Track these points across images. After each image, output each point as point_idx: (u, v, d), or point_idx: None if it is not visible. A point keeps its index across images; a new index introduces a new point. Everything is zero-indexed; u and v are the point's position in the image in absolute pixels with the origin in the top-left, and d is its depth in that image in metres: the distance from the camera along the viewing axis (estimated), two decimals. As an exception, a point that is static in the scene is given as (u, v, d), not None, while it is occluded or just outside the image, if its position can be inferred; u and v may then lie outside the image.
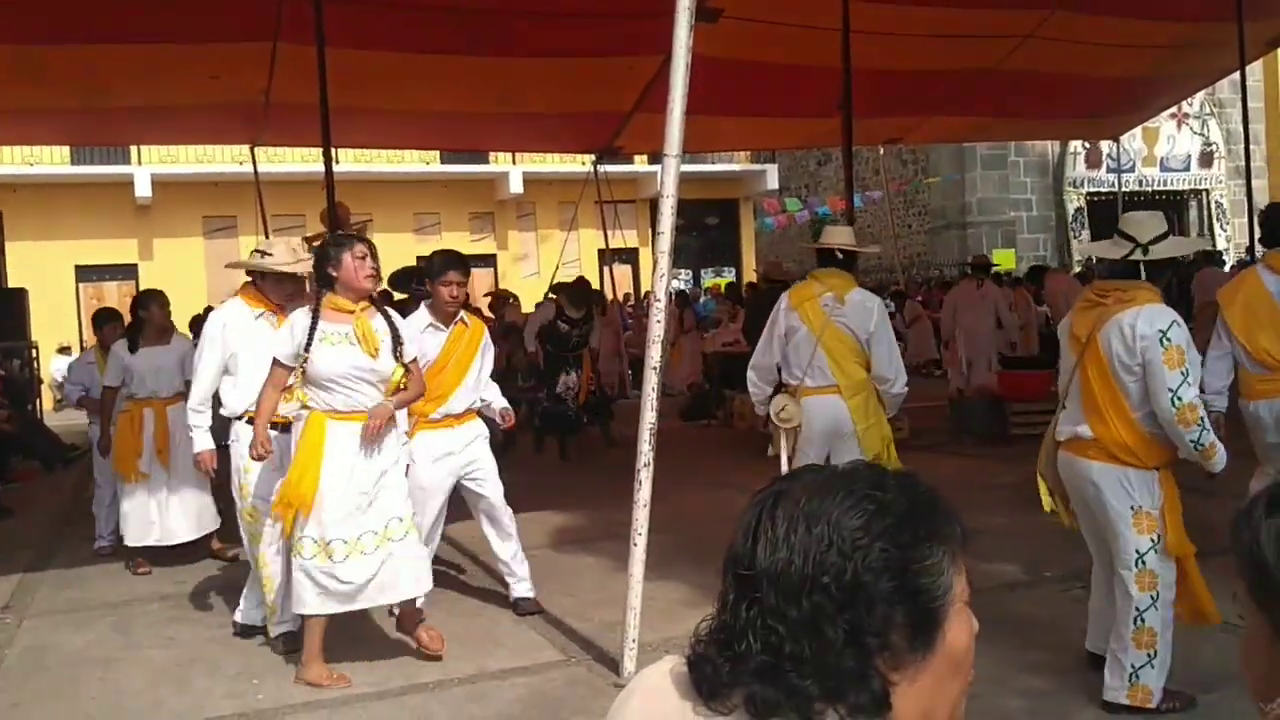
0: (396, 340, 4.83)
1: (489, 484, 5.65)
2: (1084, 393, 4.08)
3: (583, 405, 11.06)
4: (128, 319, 7.54)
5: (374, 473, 4.75)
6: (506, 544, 5.76)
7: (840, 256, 5.67)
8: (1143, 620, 3.96)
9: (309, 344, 4.66)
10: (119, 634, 5.82)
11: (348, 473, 4.69)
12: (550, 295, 13.00)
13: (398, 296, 9.83)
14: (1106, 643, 4.18)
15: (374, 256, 4.83)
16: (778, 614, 1.13)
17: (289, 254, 5.36)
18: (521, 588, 5.81)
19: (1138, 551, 3.98)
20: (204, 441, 5.40)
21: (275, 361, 4.79)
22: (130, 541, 7.05)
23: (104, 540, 7.73)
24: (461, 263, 5.56)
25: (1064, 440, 4.21)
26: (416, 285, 8.75)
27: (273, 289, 5.42)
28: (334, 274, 4.73)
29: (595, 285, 16.03)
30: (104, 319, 8.13)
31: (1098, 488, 4.05)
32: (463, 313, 5.67)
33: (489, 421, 5.88)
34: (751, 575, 1.15)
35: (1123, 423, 3.97)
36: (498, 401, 5.85)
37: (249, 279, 5.56)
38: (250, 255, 5.52)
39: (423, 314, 5.55)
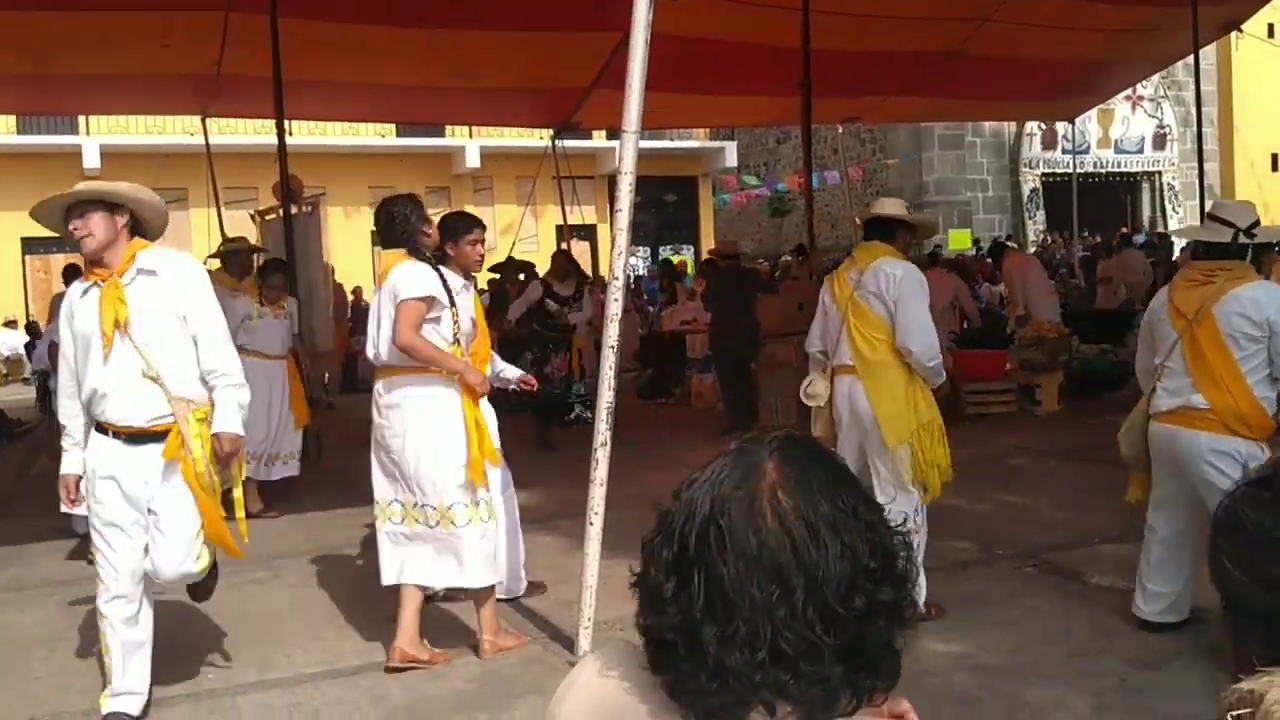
0: None
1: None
2: (1195, 365, 4.33)
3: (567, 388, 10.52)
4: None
5: None
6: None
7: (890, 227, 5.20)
8: None
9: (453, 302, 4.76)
10: (66, 613, 5.72)
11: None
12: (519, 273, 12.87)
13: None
14: (1167, 609, 4.53)
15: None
16: (845, 607, 1.08)
17: None
18: None
19: None
20: (72, 462, 4.27)
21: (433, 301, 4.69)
22: None
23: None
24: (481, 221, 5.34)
25: (1166, 412, 4.43)
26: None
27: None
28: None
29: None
30: None
31: (1209, 460, 4.24)
32: None
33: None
34: (805, 577, 1.08)
35: (1239, 391, 4.24)
36: (510, 368, 5.63)
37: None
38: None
39: (452, 273, 5.00)
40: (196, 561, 4.22)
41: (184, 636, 5.25)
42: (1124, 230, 22.18)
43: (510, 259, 13.38)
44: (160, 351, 4.05)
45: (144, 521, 4.12)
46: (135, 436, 4.07)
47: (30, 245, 21.06)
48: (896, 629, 1.12)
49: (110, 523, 4.11)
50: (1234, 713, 0.97)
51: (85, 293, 4.11)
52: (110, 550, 4.11)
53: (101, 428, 4.11)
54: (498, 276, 13.25)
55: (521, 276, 12.11)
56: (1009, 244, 16.97)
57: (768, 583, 1.08)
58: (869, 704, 1.14)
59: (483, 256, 5.19)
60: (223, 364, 4.20)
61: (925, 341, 4.88)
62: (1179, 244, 21.14)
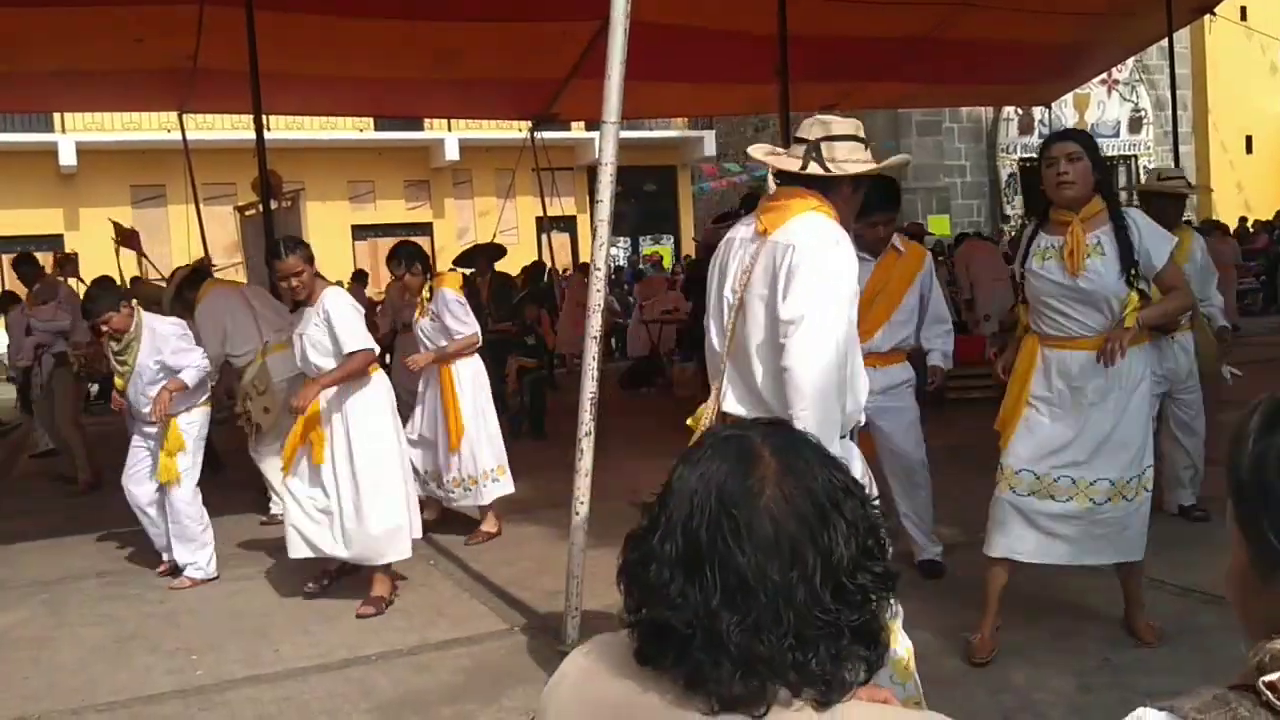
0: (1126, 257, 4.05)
1: (898, 435, 5.30)
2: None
3: None
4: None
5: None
6: (914, 498, 5.40)
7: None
8: None
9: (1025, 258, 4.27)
10: (52, 612, 5.72)
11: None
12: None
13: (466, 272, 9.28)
14: None
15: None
16: (856, 585, 1.12)
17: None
18: (932, 549, 5.44)
19: None
20: None
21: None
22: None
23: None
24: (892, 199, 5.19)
25: None
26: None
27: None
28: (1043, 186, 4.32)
29: (534, 254, 15.85)
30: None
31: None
32: (897, 239, 5.29)
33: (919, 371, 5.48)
34: (822, 562, 1.11)
35: None
36: (936, 355, 5.43)
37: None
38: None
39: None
40: None
41: (172, 633, 5.26)
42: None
43: (475, 246, 11.96)
44: None
45: None
46: None
47: (6, 244, 20.74)
48: (887, 602, 1.16)
49: None
50: (1267, 678, 0.92)
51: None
52: None
53: None
54: (469, 271, 11.36)
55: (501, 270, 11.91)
56: (973, 233, 16.98)
57: (787, 567, 1.10)
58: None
59: (881, 239, 4.89)
60: None
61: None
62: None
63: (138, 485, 6.15)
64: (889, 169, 3.42)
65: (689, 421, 3.34)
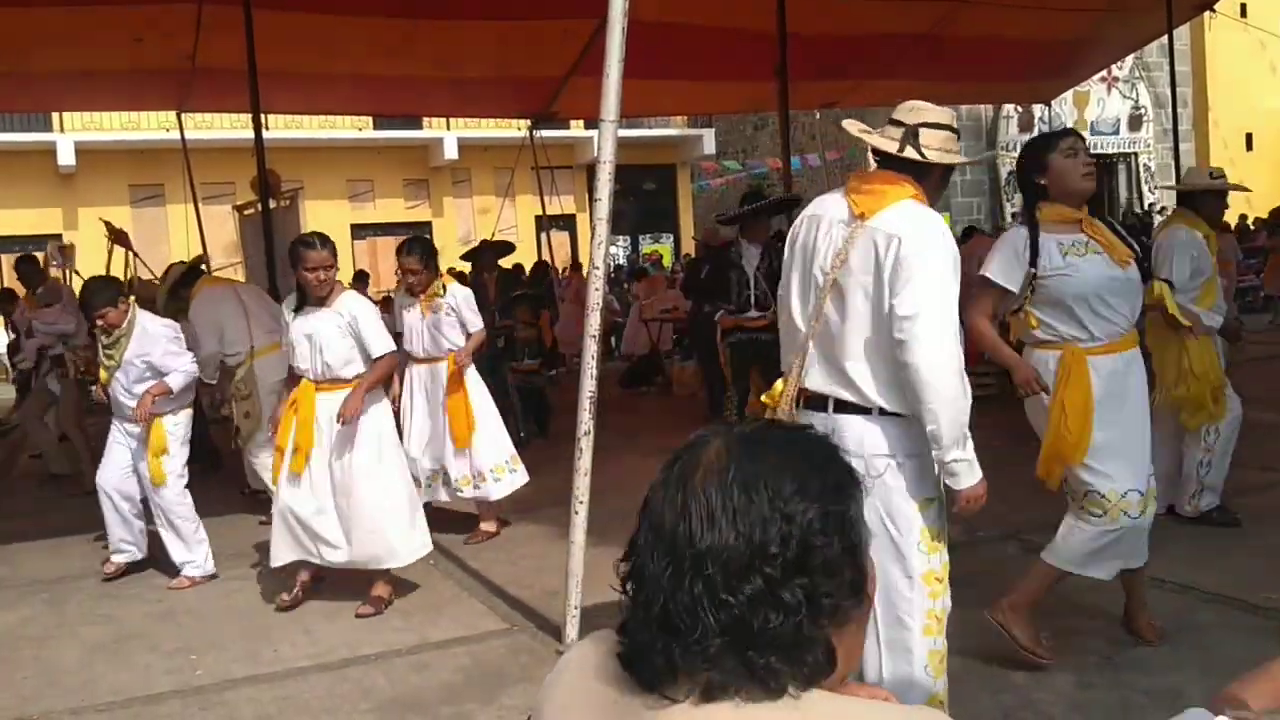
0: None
1: None
2: None
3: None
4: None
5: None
6: None
7: None
8: None
9: (1035, 257, 4.03)
10: (52, 611, 5.72)
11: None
12: None
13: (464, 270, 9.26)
14: None
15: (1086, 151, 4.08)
16: (730, 590, 1.10)
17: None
18: None
19: None
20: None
21: (988, 282, 4.16)
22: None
23: None
24: None
25: None
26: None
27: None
28: (1042, 181, 4.09)
29: (533, 253, 15.79)
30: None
31: None
32: None
33: None
34: (692, 554, 1.12)
35: None
36: None
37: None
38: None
39: None
40: None
41: (172, 632, 5.26)
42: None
43: (484, 242, 11.63)
44: None
45: None
46: None
47: (5, 244, 20.82)
48: (813, 619, 1.12)
49: None
50: None
51: None
52: None
53: None
54: (469, 266, 11.05)
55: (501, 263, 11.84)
56: (979, 228, 17.00)
57: (663, 556, 1.14)
58: (819, 686, 1.14)
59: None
60: None
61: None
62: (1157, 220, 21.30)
63: (121, 483, 6.13)
64: (977, 163, 3.56)
65: (764, 398, 3.33)
